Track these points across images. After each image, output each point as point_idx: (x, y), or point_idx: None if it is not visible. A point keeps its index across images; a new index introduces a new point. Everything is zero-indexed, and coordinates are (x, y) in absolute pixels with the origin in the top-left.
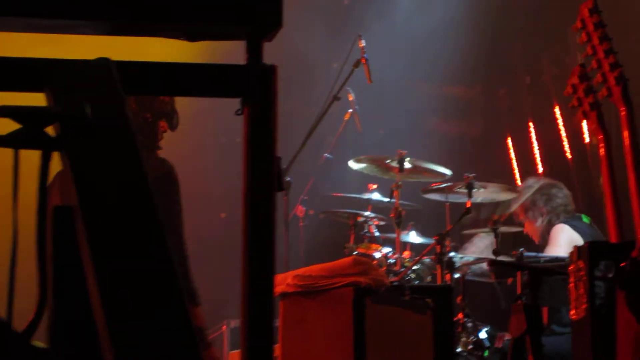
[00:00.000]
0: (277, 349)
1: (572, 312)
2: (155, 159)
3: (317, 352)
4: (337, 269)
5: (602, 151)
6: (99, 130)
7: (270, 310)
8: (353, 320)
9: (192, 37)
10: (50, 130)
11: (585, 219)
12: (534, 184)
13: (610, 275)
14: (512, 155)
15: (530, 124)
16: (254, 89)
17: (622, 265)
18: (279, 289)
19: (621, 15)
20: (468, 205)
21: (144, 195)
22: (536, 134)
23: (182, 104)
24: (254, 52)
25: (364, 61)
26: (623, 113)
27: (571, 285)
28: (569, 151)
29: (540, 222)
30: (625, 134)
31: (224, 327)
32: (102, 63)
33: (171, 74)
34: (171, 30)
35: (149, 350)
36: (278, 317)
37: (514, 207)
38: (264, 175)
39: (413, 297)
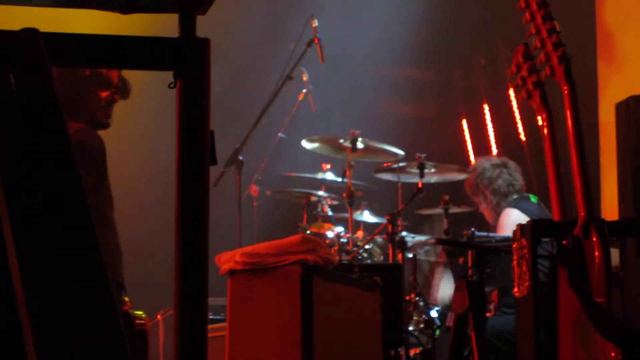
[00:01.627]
0: (226, 326)
1: (515, 289)
2: (81, 131)
3: (265, 330)
4: (285, 246)
5: (545, 130)
6: (23, 102)
7: (204, 286)
8: (300, 297)
9: (124, 9)
10: None
11: (534, 199)
12: (478, 166)
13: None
14: (467, 137)
15: (485, 105)
16: (186, 62)
17: (564, 243)
18: (226, 266)
19: None
20: (420, 185)
21: (69, 168)
22: (491, 116)
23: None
24: (187, 25)
25: (316, 41)
26: (565, 92)
27: (514, 263)
28: (522, 133)
29: (485, 204)
30: (568, 113)
31: (159, 316)
32: (29, 33)
33: (102, 46)
34: (104, 2)
35: (71, 335)
36: (226, 295)
37: (470, 184)
38: (197, 149)
39: (362, 275)
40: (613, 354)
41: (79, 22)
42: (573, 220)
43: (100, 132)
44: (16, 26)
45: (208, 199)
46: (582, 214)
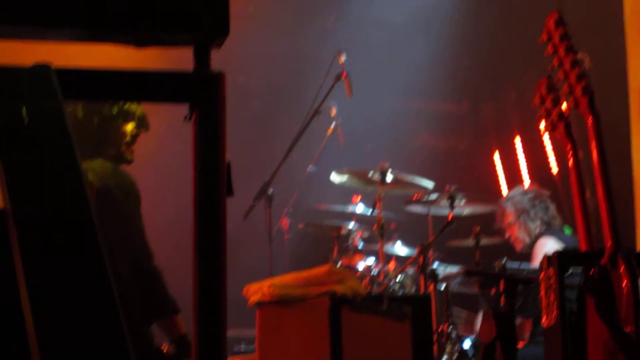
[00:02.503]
0: (255, 357)
1: (543, 319)
2: (113, 169)
3: None
4: (313, 278)
5: (570, 162)
6: (36, 136)
7: (222, 320)
8: (329, 329)
9: (140, 43)
10: None
11: (567, 231)
12: (530, 191)
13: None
14: (499, 169)
15: (517, 138)
16: (201, 95)
17: (591, 273)
18: (255, 297)
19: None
20: (450, 217)
21: (81, 203)
22: (523, 149)
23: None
24: (202, 58)
25: (344, 76)
26: (590, 124)
27: (542, 293)
28: (555, 165)
29: (535, 228)
30: (592, 144)
31: None
32: (41, 69)
33: (117, 80)
34: (119, 37)
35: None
36: (254, 325)
37: (506, 209)
38: (213, 181)
39: (391, 306)
40: None
41: (89, 56)
42: (600, 250)
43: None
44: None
45: (225, 230)
46: (609, 243)
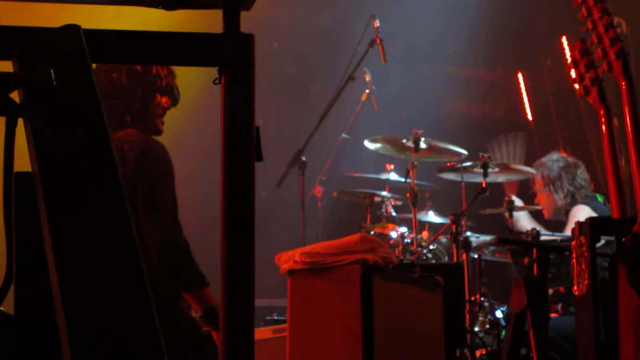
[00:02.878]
0: (286, 326)
1: (575, 288)
2: (147, 138)
3: (325, 329)
4: (345, 246)
5: (603, 127)
6: (63, 97)
7: (250, 285)
8: (361, 297)
9: (169, 5)
10: (15, 96)
11: (600, 199)
12: (560, 159)
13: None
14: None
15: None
16: (230, 57)
17: (623, 240)
18: (286, 265)
19: None
20: (483, 184)
21: (107, 165)
22: (556, 116)
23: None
24: (231, 20)
25: (378, 41)
26: (624, 87)
27: (573, 261)
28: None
29: (559, 198)
30: (626, 109)
31: None
32: (71, 30)
33: (146, 42)
34: None
35: (102, 319)
36: (286, 295)
37: (536, 177)
38: (242, 145)
39: (422, 275)
40: None
41: (118, 19)
42: (632, 217)
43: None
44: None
45: (254, 195)
46: None
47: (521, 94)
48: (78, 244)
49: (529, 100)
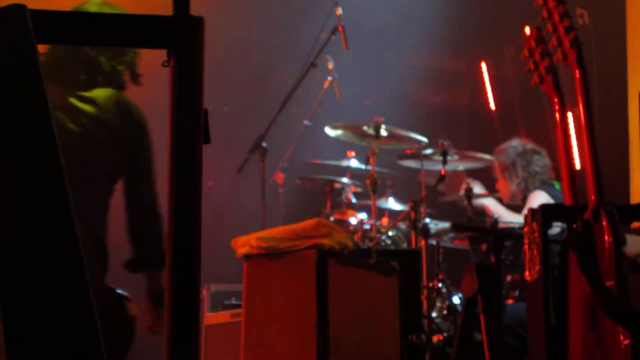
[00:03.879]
0: (242, 310)
1: (526, 273)
2: (123, 100)
3: (281, 314)
4: (301, 231)
5: (557, 115)
6: (6, 79)
7: (195, 270)
8: (316, 282)
9: None
10: None
11: (557, 186)
12: (519, 145)
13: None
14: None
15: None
16: (179, 40)
17: (574, 226)
18: (242, 250)
19: None
20: (442, 172)
21: (50, 152)
22: (520, 105)
23: None
24: (180, 3)
25: (340, 29)
26: (577, 76)
27: (525, 247)
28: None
29: (514, 185)
30: (579, 97)
31: (204, 291)
32: (16, 9)
33: (95, 23)
34: None
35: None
36: (242, 279)
37: (494, 163)
38: (189, 128)
39: (379, 260)
40: (622, 338)
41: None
42: (583, 205)
43: None
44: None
45: (201, 178)
46: (593, 197)
47: (484, 83)
48: (17, 236)
49: (492, 90)
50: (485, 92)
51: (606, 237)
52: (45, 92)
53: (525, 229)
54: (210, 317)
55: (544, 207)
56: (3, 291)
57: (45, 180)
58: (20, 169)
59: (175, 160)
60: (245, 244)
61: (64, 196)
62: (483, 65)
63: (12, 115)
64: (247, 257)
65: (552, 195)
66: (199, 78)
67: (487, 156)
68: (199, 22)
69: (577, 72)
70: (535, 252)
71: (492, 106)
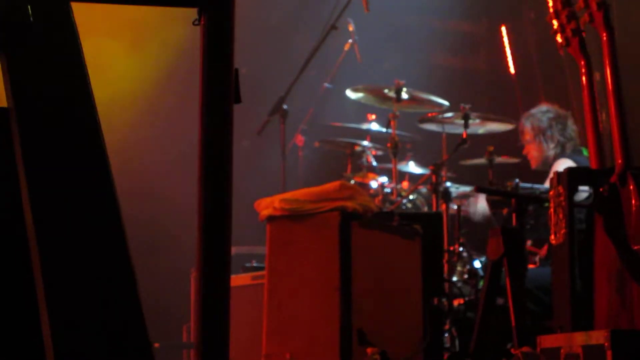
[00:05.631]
0: (265, 272)
1: (552, 237)
2: None
3: (304, 275)
4: (324, 193)
5: (583, 78)
6: (41, 34)
7: (227, 227)
8: (339, 244)
9: None
10: None
11: (585, 152)
12: (550, 110)
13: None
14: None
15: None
16: None
17: (600, 190)
18: (266, 212)
19: None
20: (464, 136)
21: (85, 103)
22: (540, 69)
23: None
24: None
25: None
26: (604, 39)
27: (551, 210)
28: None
29: (549, 149)
30: (606, 60)
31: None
32: None
33: None
34: None
35: (80, 269)
36: (265, 241)
37: (525, 127)
38: (221, 86)
39: (401, 223)
40: None
41: None
42: (610, 168)
43: None
44: None
45: (231, 137)
46: (620, 161)
47: (504, 47)
48: (53, 181)
49: (512, 54)
50: (506, 56)
51: (633, 201)
52: (81, 49)
53: (551, 193)
54: (231, 280)
55: (570, 171)
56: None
57: (81, 129)
58: (57, 123)
59: (207, 119)
60: (268, 205)
61: (100, 147)
62: (503, 29)
63: (50, 72)
64: (270, 218)
65: (578, 163)
66: (230, 37)
67: (508, 120)
68: None
69: (605, 34)
70: (561, 215)
71: (512, 70)
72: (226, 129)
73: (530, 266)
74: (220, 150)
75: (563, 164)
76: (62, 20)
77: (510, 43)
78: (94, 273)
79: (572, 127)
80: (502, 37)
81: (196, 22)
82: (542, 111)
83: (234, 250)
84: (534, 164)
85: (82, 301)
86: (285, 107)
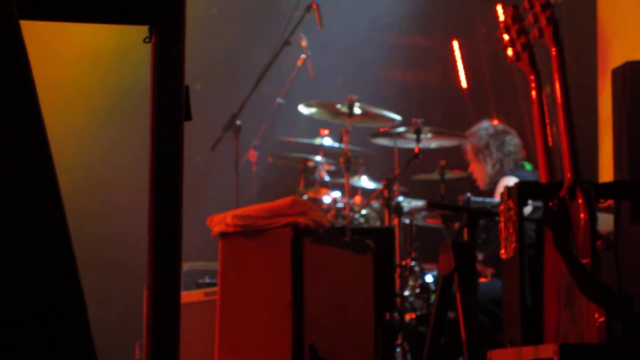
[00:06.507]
0: (217, 289)
1: (502, 251)
2: None
3: (256, 292)
4: (276, 209)
5: (533, 93)
6: None
7: (178, 249)
8: (291, 260)
9: None
10: None
11: (528, 167)
12: (489, 127)
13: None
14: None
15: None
16: (161, 15)
17: (550, 204)
18: (218, 228)
19: None
20: (416, 150)
21: (33, 121)
22: (492, 84)
23: None
24: None
25: (314, 6)
26: (554, 53)
27: (501, 225)
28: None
29: (490, 167)
30: (556, 74)
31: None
32: None
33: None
34: None
35: (24, 287)
36: (217, 257)
37: (466, 146)
38: (172, 105)
39: (353, 239)
40: (597, 315)
41: None
42: (559, 182)
43: None
44: None
45: (182, 155)
46: (569, 175)
47: (456, 61)
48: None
49: (464, 68)
50: (458, 71)
51: (582, 215)
52: (29, 65)
53: (501, 207)
54: (184, 296)
55: (520, 185)
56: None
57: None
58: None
59: (157, 137)
60: (220, 221)
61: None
62: (455, 43)
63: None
64: (223, 235)
65: (520, 178)
66: (181, 54)
67: (460, 134)
68: None
69: (554, 49)
70: (511, 230)
71: (464, 84)
72: (176, 146)
73: (483, 280)
74: (170, 167)
75: (506, 183)
76: (10, 38)
77: (462, 57)
78: (39, 292)
79: (511, 141)
80: (454, 51)
81: (147, 40)
82: (482, 128)
83: (187, 266)
84: (480, 184)
85: (27, 321)
86: (238, 122)
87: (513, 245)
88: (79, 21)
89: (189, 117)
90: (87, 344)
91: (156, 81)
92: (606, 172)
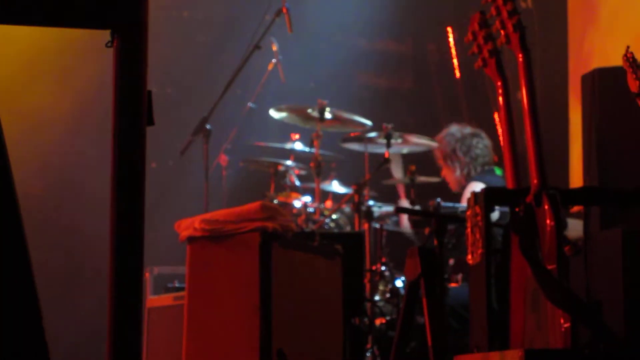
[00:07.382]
0: (185, 293)
1: (469, 257)
2: None
3: (224, 297)
4: (244, 213)
5: (500, 99)
6: None
7: (139, 254)
8: (259, 264)
9: None
10: None
11: (498, 171)
12: (457, 131)
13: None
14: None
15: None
16: (123, 20)
17: (516, 210)
18: (186, 232)
19: None
20: (386, 155)
21: None
22: (463, 88)
23: None
24: None
25: (285, 10)
26: (520, 60)
27: (468, 230)
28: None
29: (458, 172)
30: (522, 81)
31: (147, 274)
32: None
33: (36, 4)
34: None
35: None
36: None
37: (435, 151)
38: (134, 109)
39: (322, 243)
40: (562, 321)
41: None
42: (526, 188)
43: None
44: None
45: (145, 160)
46: (535, 181)
47: (429, 66)
48: None
49: (436, 73)
50: (430, 76)
51: (548, 221)
52: None
53: (468, 213)
54: (153, 300)
55: (486, 191)
56: None
57: None
58: None
59: (119, 142)
60: (188, 226)
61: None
62: (428, 48)
63: None
64: (191, 239)
65: (487, 184)
66: (143, 59)
67: (430, 140)
68: (142, 2)
69: (520, 55)
70: (477, 235)
71: (457, 74)
72: (138, 151)
73: (453, 285)
74: (132, 172)
75: (475, 187)
76: None
77: (434, 63)
78: None
79: (479, 144)
80: (427, 56)
81: (109, 44)
82: (450, 133)
83: (156, 270)
84: (453, 187)
85: None
86: (208, 126)
87: (480, 251)
88: (42, 25)
89: (151, 122)
90: (41, 346)
91: (118, 86)
92: (576, 178)
